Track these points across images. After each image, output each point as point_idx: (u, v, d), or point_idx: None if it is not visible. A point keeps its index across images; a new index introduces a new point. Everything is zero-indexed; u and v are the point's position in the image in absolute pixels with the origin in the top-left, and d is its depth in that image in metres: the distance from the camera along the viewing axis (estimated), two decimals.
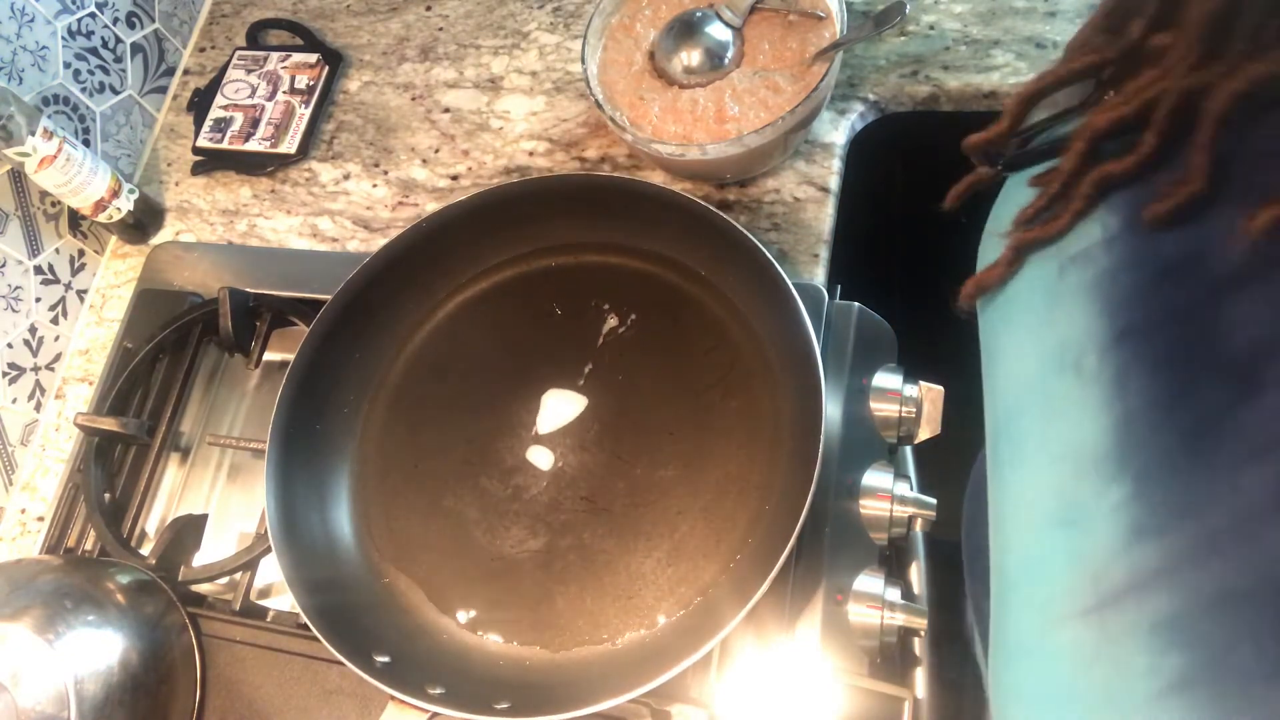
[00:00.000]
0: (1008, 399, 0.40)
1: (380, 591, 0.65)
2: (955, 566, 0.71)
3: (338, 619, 0.60)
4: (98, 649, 0.61)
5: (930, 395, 0.64)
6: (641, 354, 0.69)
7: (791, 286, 0.61)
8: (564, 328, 0.72)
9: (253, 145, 0.89)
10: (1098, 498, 0.32)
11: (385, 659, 0.58)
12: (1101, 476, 0.33)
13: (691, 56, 0.72)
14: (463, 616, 0.64)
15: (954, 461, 0.71)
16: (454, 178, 0.84)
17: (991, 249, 0.44)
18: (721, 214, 0.65)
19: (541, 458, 0.67)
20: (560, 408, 0.69)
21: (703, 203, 0.65)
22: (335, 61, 0.91)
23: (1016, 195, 0.45)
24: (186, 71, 0.98)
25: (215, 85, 0.93)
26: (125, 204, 0.85)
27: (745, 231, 0.63)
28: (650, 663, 0.54)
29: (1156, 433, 0.31)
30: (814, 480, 0.55)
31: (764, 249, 0.62)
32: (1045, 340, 0.38)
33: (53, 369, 0.86)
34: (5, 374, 0.81)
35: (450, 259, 0.75)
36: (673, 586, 0.61)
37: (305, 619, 0.58)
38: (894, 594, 0.59)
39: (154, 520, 0.76)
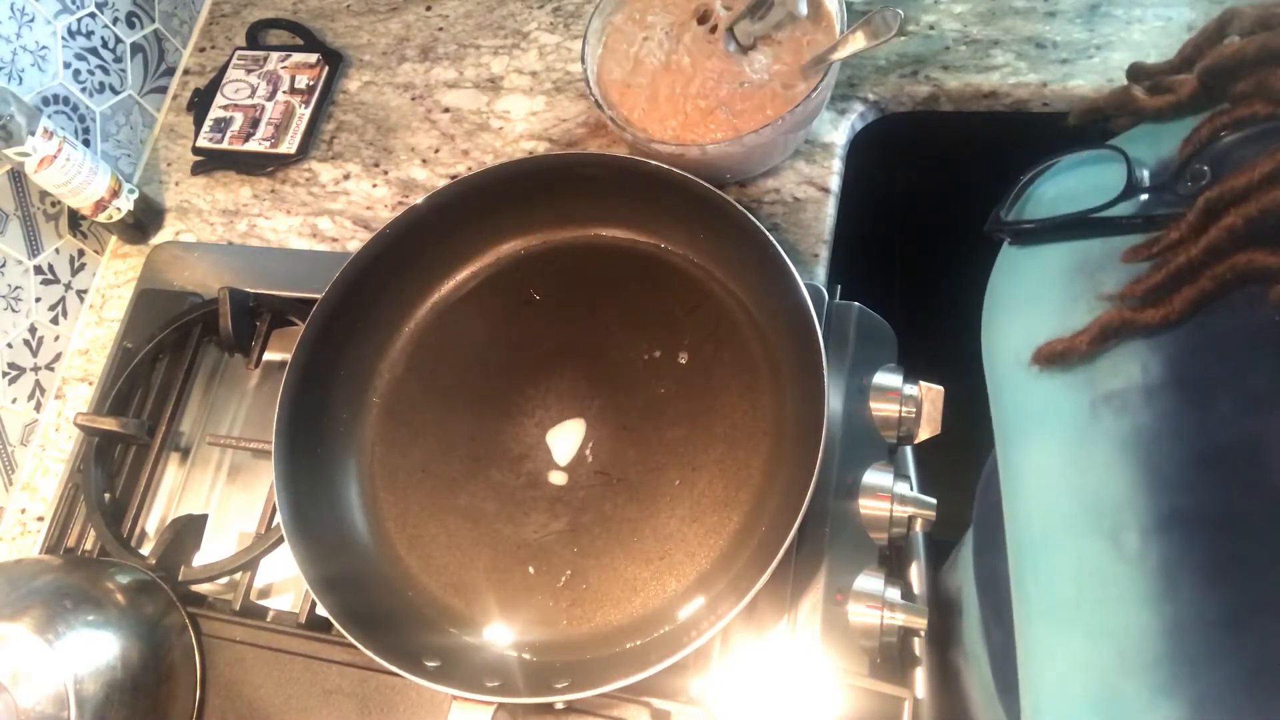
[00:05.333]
0: (1034, 531, 0.38)
1: (413, 600, 0.65)
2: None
3: (382, 635, 0.59)
4: (98, 649, 0.61)
5: (930, 395, 0.64)
6: (627, 324, 0.71)
7: (780, 249, 0.62)
8: (546, 312, 0.73)
9: (253, 145, 0.89)
10: (1147, 708, 0.31)
11: (435, 663, 0.58)
12: (1150, 685, 0.31)
13: (693, 57, 0.72)
14: (500, 608, 0.64)
15: (954, 461, 0.71)
16: (454, 178, 0.83)
17: (1005, 315, 0.42)
18: (702, 182, 0.65)
19: (551, 440, 0.68)
20: (554, 389, 0.70)
21: (685, 174, 0.66)
22: (335, 61, 0.91)
23: (1017, 269, 0.43)
24: (186, 71, 0.98)
25: (215, 85, 0.93)
26: (125, 204, 0.85)
27: (728, 198, 0.64)
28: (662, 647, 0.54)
29: (1215, 660, 0.29)
30: (817, 463, 0.55)
31: (743, 209, 0.63)
32: (1077, 484, 0.35)
33: (53, 369, 0.86)
34: (5, 374, 0.81)
35: (419, 261, 0.75)
36: (701, 540, 0.62)
37: (360, 646, 0.57)
38: (894, 594, 0.59)
39: (154, 520, 0.76)
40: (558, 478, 0.67)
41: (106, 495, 0.74)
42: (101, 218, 0.84)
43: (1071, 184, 0.43)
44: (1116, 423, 0.34)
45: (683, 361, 0.68)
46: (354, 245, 0.83)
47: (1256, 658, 0.29)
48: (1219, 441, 0.31)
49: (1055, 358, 0.38)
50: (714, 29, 0.73)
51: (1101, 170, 0.40)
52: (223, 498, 0.75)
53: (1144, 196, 0.38)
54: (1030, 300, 0.42)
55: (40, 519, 0.80)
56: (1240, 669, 0.29)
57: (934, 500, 0.62)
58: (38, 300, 0.84)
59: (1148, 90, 0.42)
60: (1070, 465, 0.36)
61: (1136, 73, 0.43)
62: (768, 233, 0.62)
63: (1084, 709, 0.33)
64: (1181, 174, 0.36)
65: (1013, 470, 0.41)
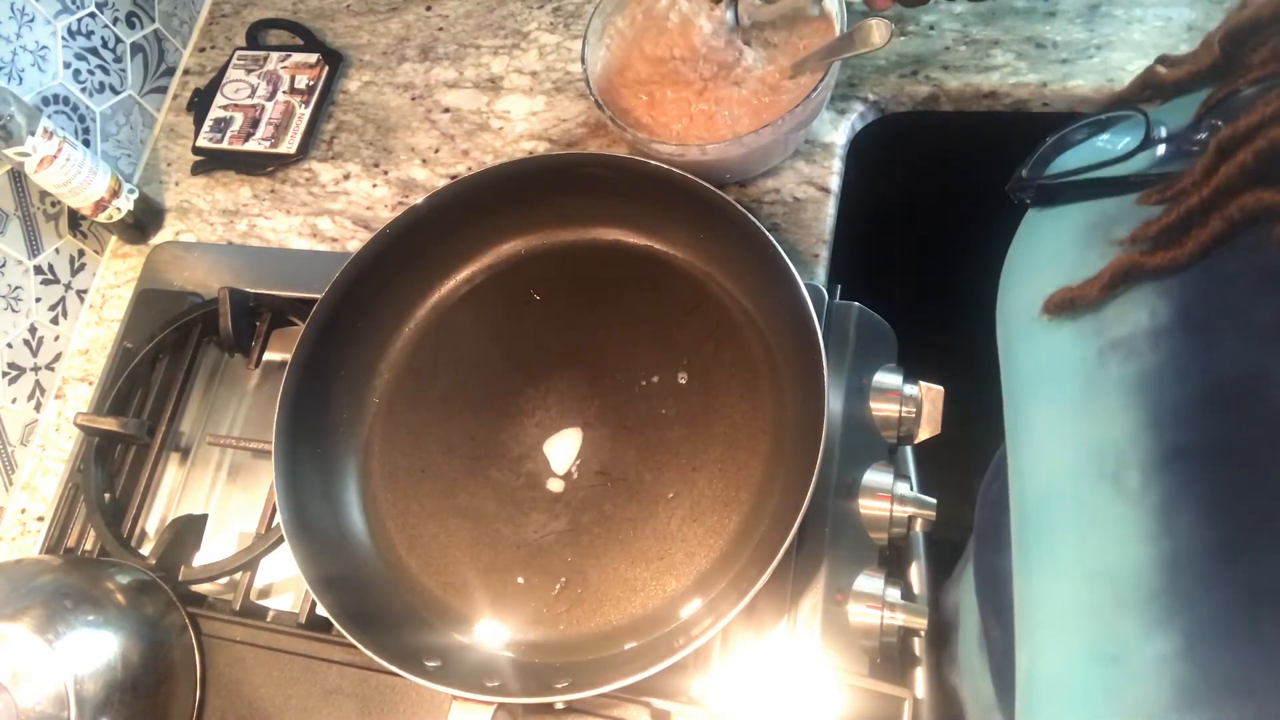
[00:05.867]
0: (1038, 482, 0.39)
1: (413, 600, 0.65)
2: (954, 568, 0.71)
3: (382, 634, 0.59)
4: (97, 649, 0.61)
5: (930, 395, 0.64)
6: (627, 323, 0.71)
7: (780, 249, 0.62)
8: (546, 312, 0.73)
9: (253, 145, 0.89)
10: (1141, 641, 0.31)
11: (435, 663, 0.58)
12: (1145, 619, 0.31)
13: (693, 56, 0.72)
14: (499, 608, 0.64)
15: (954, 461, 0.71)
16: (454, 178, 0.83)
17: (1023, 275, 0.43)
18: (702, 182, 0.65)
19: (548, 450, 0.68)
20: (554, 389, 0.70)
21: (685, 174, 0.66)
22: (335, 61, 0.91)
23: (1033, 233, 0.43)
24: (186, 71, 0.98)
25: (215, 85, 0.93)
26: (125, 204, 0.85)
27: (728, 198, 0.64)
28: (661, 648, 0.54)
29: (1209, 589, 0.29)
30: (817, 463, 0.55)
31: (743, 209, 0.63)
32: (1081, 432, 0.36)
33: (53, 369, 0.86)
34: (5, 374, 0.81)
35: (419, 261, 0.75)
36: (701, 540, 0.62)
37: (360, 646, 0.56)
38: (894, 594, 0.59)
39: (154, 520, 0.76)
40: (556, 485, 0.67)
41: (106, 495, 0.74)
42: (101, 218, 0.84)
43: (1091, 154, 0.43)
44: (1123, 368, 0.34)
45: (683, 373, 0.68)
46: (354, 245, 0.83)
47: (1248, 586, 0.29)
48: (1223, 377, 0.31)
49: (1065, 305, 0.38)
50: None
51: (1121, 140, 0.41)
52: (223, 498, 0.75)
53: (1160, 151, 0.38)
54: (1044, 259, 0.42)
55: (40, 519, 0.80)
56: (1233, 597, 0.29)
57: (934, 500, 0.62)
58: (38, 300, 0.84)
59: (1169, 67, 0.43)
60: (1076, 414, 0.36)
61: (1163, 59, 0.45)
62: (768, 233, 0.62)
63: (1079, 649, 0.33)
64: (1197, 126, 0.37)
65: (1019, 427, 0.41)
